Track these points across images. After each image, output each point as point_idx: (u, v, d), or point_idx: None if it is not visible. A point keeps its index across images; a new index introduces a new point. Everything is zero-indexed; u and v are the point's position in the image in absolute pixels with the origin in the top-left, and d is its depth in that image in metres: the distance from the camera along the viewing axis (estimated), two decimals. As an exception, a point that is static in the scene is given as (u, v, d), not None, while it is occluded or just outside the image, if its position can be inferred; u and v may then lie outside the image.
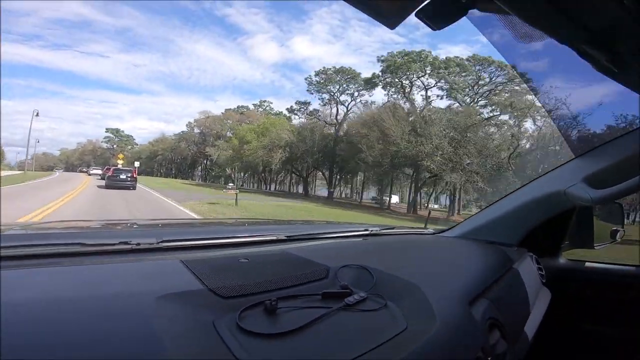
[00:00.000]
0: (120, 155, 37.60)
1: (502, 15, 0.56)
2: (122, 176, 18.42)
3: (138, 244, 0.71)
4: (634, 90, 0.83)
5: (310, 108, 35.67)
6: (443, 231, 1.40)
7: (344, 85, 31.88)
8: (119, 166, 22.12)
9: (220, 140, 43.59)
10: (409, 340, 0.53)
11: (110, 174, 18.72)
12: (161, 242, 0.74)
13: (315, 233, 1.06)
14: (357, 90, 30.95)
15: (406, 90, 27.47)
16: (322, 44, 54.70)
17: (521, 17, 0.53)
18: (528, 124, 22.60)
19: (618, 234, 1.34)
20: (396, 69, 26.77)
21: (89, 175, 35.08)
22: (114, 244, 0.70)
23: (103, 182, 18.61)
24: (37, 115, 35.34)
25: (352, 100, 31.55)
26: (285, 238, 0.94)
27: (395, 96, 28.16)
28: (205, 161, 50.21)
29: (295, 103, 38.32)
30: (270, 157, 30.17)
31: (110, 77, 75.16)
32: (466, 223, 1.37)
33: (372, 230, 1.20)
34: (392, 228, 1.32)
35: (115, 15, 63.82)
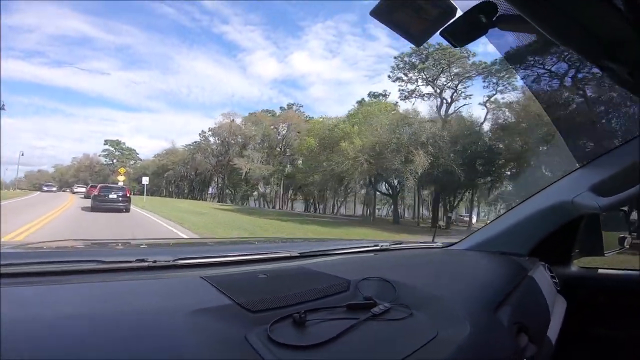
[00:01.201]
0: (122, 170, 30.83)
1: (520, 34, 0.61)
2: (112, 195, 14.65)
3: (155, 262, 0.73)
4: None
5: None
6: (451, 244, 1.40)
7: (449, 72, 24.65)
8: (118, 183, 18.88)
9: (249, 149, 39.45)
10: (441, 347, 0.54)
11: (97, 192, 14.88)
12: (177, 259, 0.77)
13: (327, 249, 1.09)
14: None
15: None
16: (319, 59, 55.93)
17: (542, 29, 0.56)
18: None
19: (626, 240, 1.39)
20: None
21: (73, 193, 32.86)
22: (131, 262, 0.72)
23: (90, 202, 14.60)
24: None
25: (455, 92, 24.70)
26: (299, 255, 0.96)
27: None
28: (223, 177, 46.86)
29: (369, 95, 32.40)
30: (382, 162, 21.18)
31: (110, 94, 76.64)
32: (474, 236, 1.37)
33: (382, 246, 1.22)
34: (401, 243, 1.35)
35: (115, 32, 67.44)
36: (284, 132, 37.73)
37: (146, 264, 0.73)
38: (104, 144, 65.05)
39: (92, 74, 65.70)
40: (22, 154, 41.22)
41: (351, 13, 50.97)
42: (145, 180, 25.84)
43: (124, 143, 66.51)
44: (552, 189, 1.29)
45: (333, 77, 56.55)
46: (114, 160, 64.97)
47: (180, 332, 0.48)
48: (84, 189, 31.68)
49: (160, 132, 73.05)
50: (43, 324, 0.46)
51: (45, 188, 31.08)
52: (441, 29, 0.57)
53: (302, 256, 0.98)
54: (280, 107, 41.01)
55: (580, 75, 0.87)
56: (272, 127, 37.48)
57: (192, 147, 52.02)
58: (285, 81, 60.68)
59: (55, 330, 0.45)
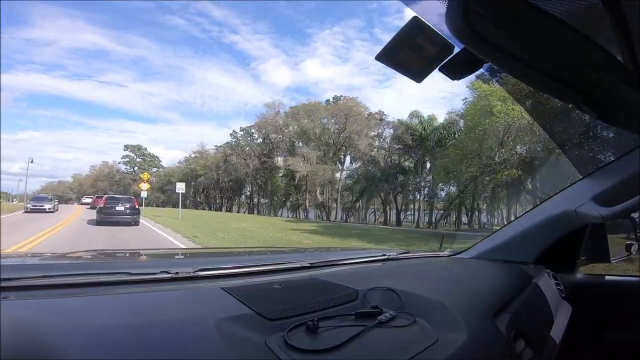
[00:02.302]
0: (145, 175, 26.42)
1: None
2: (119, 207, 14.06)
3: (177, 273, 0.82)
4: (630, 131, 0.94)
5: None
6: (458, 253, 1.51)
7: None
8: (141, 193, 20.44)
9: (301, 147, 34.67)
10: (441, 351, 0.61)
11: (102, 204, 14.25)
12: (197, 270, 0.85)
13: (337, 259, 1.19)
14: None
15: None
16: (330, 65, 55.61)
17: (520, 80, 0.65)
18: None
19: (633, 247, 1.45)
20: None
21: (81, 204, 31.08)
22: (155, 274, 0.81)
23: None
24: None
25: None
26: (310, 265, 1.05)
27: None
28: (264, 182, 42.38)
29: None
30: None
31: (128, 106, 79.69)
32: (480, 245, 1.48)
33: (389, 255, 1.31)
34: (408, 252, 1.45)
35: (129, 45, 67.78)
36: (338, 126, 33.87)
37: (169, 275, 0.80)
38: (124, 150, 62.27)
39: (110, 86, 72.00)
40: (32, 161, 38.56)
41: (357, 18, 53.91)
42: (180, 187, 21.07)
43: (145, 148, 63.09)
44: (557, 199, 1.36)
45: (345, 83, 60.04)
46: (135, 168, 61.84)
47: (208, 340, 0.54)
48: (90, 200, 30.30)
49: (177, 142, 78.07)
50: (82, 333, 0.50)
51: (29, 206, 22.03)
52: (439, 66, 0.63)
53: (313, 267, 1.06)
54: (326, 100, 38.52)
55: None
56: (325, 119, 34.88)
57: (224, 147, 48.29)
58: (298, 89, 61.08)
59: (91, 339, 0.49)
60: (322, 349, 0.55)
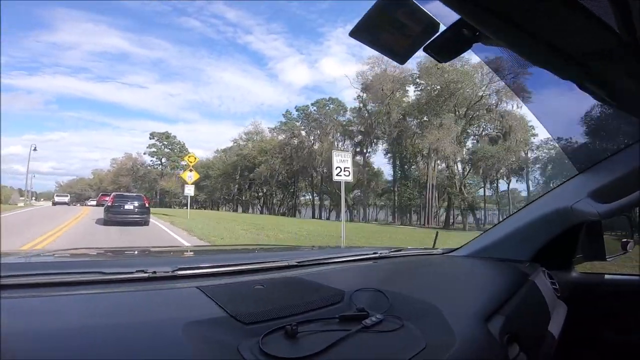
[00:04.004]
0: (191, 158, 20.38)
1: (504, 49, 0.67)
2: (128, 206, 13.58)
3: (154, 272, 0.81)
4: (630, 113, 0.98)
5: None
6: (452, 250, 1.58)
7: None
8: (186, 186, 17.99)
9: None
10: (429, 359, 0.60)
11: (110, 203, 13.89)
12: (176, 270, 0.85)
13: (325, 258, 1.21)
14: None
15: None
16: (345, 64, 56.57)
17: (519, 55, 0.64)
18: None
19: (629, 245, 1.50)
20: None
21: (88, 205, 32.00)
22: (131, 273, 0.80)
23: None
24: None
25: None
26: (297, 264, 1.06)
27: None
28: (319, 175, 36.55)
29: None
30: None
31: (150, 107, 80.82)
32: (475, 242, 1.54)
33: (381, 253, 1.34)
34: (401, 250, 1.49)
35: (149, 47, 74.75)
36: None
37: (146, 274, 0.80)
38: (150, 138, 57.02)
39: (132, 87, 76.80)
40: (35, 149, 38.80)
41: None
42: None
43: (174, 136, 57.59)
44: (553, 195, 1.42)
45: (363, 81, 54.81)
46: (163, 159, 56.64)
47: (173, 344, 0.52)
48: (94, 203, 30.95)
49: (196, 142, 79.21)
50: (45, 336, 0.50)
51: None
52: (425, 45, 0.60)
53: (301, 265, 1.06)
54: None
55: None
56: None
57: (278, 130, 42.17)
58: (315, 87, 66.40)
59: (55, 342, 0.49)
60: (299, 356, 0.53)
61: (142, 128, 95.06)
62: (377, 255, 1.31)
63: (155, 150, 55.32)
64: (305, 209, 41.63)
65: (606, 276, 1.57)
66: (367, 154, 34.67)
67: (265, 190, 42.88)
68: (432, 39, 0.59)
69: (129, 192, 19.62)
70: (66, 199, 38.60)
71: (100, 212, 15.04)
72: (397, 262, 1.35)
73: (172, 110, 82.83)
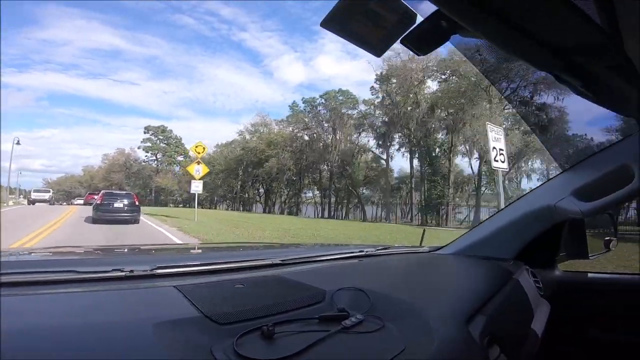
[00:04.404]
0: (198, 148, 16.67)
1: (484, 41, 0.67)
2: (118, 204, 13.38)
3: (132, 271, 0.80)
4: (609, 109, 0.99)
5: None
6: (438, 248, 1.61)
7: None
8: (193, 182, 15.61)
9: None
10: None
11: (99, 201, 13.80)
12: (155, 268, 0.84)
13: (310, 256, 1.20)
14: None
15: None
16: (340, 62, 56.96)
17: (497, 46, 0.64)
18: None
19: (611, 243, 1.53)
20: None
21: (75, 204, 30.60)
22: (107, 272, 0.79)
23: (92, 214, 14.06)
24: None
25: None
26: (280, 262, 1.06)
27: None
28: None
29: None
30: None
31: (142, 104, 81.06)
32: (461, 240, 1.57)
33: (367, 251, 1.35)
34: (388, 248, 1.52)
35: (142, 44, 75.06)
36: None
37: (123, 273, 0.78)
38: (144, 132, 54.17)
39: (124, 84, 79.41)
40: (18, 142, 35.59)
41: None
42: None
43: (170, 130, 54.60)
44: (536, 194, 1.44)
45: (358, 79, 58.97)
46: (158, 155, 53.40)
47: (144, 346, 0.52)
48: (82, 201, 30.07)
49: (191, 139, 74.43)
50: (13, 335, 0.49)
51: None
52: (401, 37, 0.58)
53: (284, 264, 1.05)
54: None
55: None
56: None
57: (286, 122, 39.10)
58: (310, 85, 66.24)
59: (24, 342, 0.48)
60: (275, 358, 0.52)
61: (135, 125, 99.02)
62: (363, 253, 1.32)
63: (150, 145, 53.54)
64: (306, 207, 39.92)
65: (589, 274, 1.63)
66: (391, 148, 32.73)
67: (272, 187, 40.31)
68: (409, 31, 0.58)
69: (119, 190, 19.49)
70: (47, 196, 34.21)
71: (88, 212, 14.76)
72: (383, 260, 1.37)
73: (165, 107, 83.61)
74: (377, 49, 0.60)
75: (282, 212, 37.89)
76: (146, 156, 54.67)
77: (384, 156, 32.85)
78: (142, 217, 14.68)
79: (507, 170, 12.89)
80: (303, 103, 38.80)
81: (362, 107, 34.76)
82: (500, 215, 1.52)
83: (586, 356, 1.47)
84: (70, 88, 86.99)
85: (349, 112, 34.76)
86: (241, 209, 42.37)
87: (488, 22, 0.51)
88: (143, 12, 68.28)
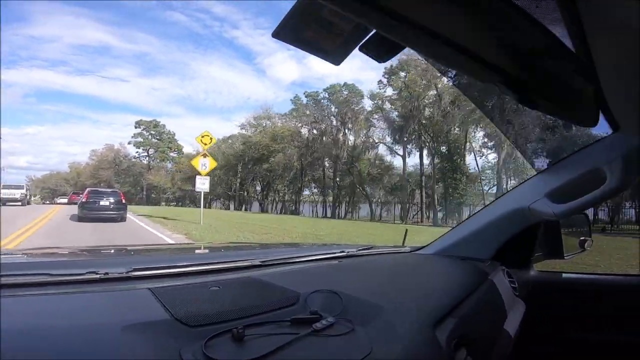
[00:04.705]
0: (206, 137, 14.04)
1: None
2: (104, 202, 13.34)
3: (106, 274, 0.79)
4: (568, 121, 0.99)
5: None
6: (419, 248, 1.64)
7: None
8: (197, 179, 13.66)
9: None
10: None
11: (85, 199, 13.72)
12: (131, 271, 0.83)
13: (290, 257, 1.19)
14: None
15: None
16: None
17: (438, 62, 0.65)
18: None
19: (586, 244, 1.56)
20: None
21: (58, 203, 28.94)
22: (81, 274, 0.77)
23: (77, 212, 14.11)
24: None
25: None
26: (260, 263, 1.05)
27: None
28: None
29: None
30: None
31: (131, 101, 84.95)
32: (441, 240, 1.60)
33: (348, 252, 1.35)
34: (370, 248, 1.52)
35: (132, 41, 76.18)
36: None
37: (97, 276, 0.77)
38: (135, 127, 51.55)
39: (113, 81, 79.13)
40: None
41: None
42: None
43: (163, 125, 51.93)
44: (513, 195, 1.49)
45: (351, 77, 58.74)
46: (150, 151, 50.54)
47: (111, 349, 0.52)
48: (66, 200, 28.76)
49: (182, 136, 76.75)
50: None
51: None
52: (360, 45, 0.56)
53: (264, 265, 1.05)
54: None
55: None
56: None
57: (289, 116, 37.29)
58: (304, 83, 66.53)
59: None
60: None
61: (124, 122, 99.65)
62: (344, 254, 1.32)
63: (142, 140, 51.32)
64: (304, 206, 38.87)
65: (564, 275, 1.67)
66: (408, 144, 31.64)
67: (275, 184, 38.19)
68: (366, 38, 0.55)
69: (107, 188, 19.34)
70: (17, 194, 24.68)
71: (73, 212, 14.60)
72: (363, 261, 1.37)
73: (156, 104, 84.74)
74: (335, 58, 0.57)
75: (281, 212, 36.72)
76: (137, 152, 54.19)
77: (400, 152, 31.98)
78: (137, 220, 14.37)
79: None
80: (306, 97, 38.19)
81: (368, 102, 33.99)
82: (479, 216, 1.58)
83: (560, 356, 1.54)
84: (58, 84, 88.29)
85: (359, 106, 33.83)
86: (236, 208, 41.03)
87: (429, 43, 0.50)
88: (134, 8, 68.96)
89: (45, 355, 0.48)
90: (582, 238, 1.57)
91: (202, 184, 13.44)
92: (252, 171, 39.77)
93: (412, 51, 0.59)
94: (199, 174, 13.51)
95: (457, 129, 28.65)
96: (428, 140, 29.68)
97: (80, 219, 12.78)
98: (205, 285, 0.82)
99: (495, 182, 27.61)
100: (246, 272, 0.98)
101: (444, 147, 29.31)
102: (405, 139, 30.88)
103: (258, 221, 17.46)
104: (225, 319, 0.64)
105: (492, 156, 28.47)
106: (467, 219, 1.71)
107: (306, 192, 39.68)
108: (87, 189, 15.53)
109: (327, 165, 35.58)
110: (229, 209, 39.47)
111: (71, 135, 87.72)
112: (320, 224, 18.48)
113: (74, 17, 73.82)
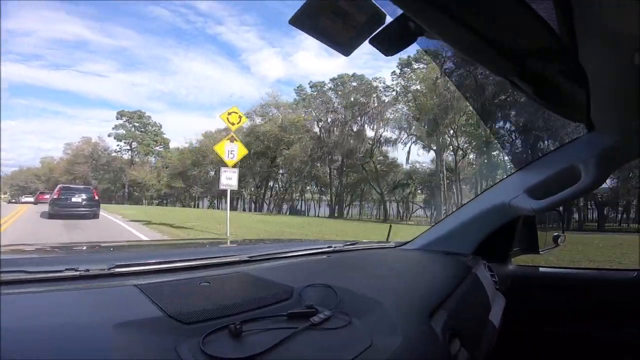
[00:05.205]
0: (234, 114, 9.15)
1: (447, 44, 0.71)
2: (75, 199, 13.08)
3: (87, 270, 0.76)
4: (559, 115, 1.06)
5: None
6: (404, 244, 1.68)
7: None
8: (224, 170, 9.66)
9: None
10: (374, 357, 0.62)
11: (56, 195, 13.50)
12: (113, 267, 0.80)
13: (278, 252, 1.19)
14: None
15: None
16: (318, 58, 56.60)
17: (456, 50, 0.66)
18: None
19: (559, 239, 1.61)
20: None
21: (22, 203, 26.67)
22: (59, 271, 0.75)
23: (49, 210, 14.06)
24: None
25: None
26: (248, 259, 1.04)
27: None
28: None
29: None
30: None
31: (110, 96, 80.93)
32: (425, 235, 1.65)
33: (335, 247, 1.36)
34: (355, 243, 1.54)
35: (112, 35, 73.14)
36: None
37: (78, 273, 0.74)
38: (117, 118, 47.12)
39: (90, 76, 77.19)
40: None
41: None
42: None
43: (148, 116, 47.45)
44: (494, 191, 1.52)
45: (336, 75, 52.46)
46: (133, 144, 45.71)
47: (103, 348, 0.50)
48: (31, 198, 26.85)
49: (166, 132, 66.64)
50: None
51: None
52: (370, 37, 0.59)
53: (252, 260, 1.04)
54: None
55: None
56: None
57: (295, 104, 34.57)
58: (289, 81, 65.16)
59: None
60: (243, 356, 0.51)
61: (102, 117, 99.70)
62: (331, 249, 1.33)
63: (124, 132, 47.32)
64: (303, 205, 37.02)
65: (540, 269, 1.70)
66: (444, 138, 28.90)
67: (284, 182, 34.92)
68: (377, 32, 0.58)
69: (77, 185, 18.44)
70: None
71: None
72: (350, 256, 1.38)
73: (135, 99, 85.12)
74: (346, 48, 0.60)
75: (279, 212, 33.91)
76: (118, 145, 52.51)
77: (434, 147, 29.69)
78: (131, 229, 11.44)
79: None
80: (310, 87, 36.39)
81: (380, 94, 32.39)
82: (461, 212, 1.61)
83: (535, 349, 1.56)
84: (31, 79, 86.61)
85: (371, 97, 31.38)
86: (242, 209, 38.01)
87: (449, 25, 0.53)
88: (113, 2, 66.36)
89: (31, 354, 0.45)
90: (555, 234, 1.66)
91: (229, 179, 9.42)
92: (254, 165, 35.61)
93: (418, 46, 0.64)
94: (226, 164, 9.30)
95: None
96: (465, 135, 27.58)
97: (51, 216, 12.55)
98: (195, 281, 0.80)
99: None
100: (235, 267, 0.97)
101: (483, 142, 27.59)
102: (439, 132, 28.01)
103: (297, 227, 14.94)
104: (220, 315, 0.62)
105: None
106: (449, 214, 1.74)
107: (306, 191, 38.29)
108: (59, 186, 15.40)
109: (339, 159, 32.41)
110: (236, 211, 34.50)
111: (45, 130, 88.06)
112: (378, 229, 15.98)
113: (50, 11, 73.95)
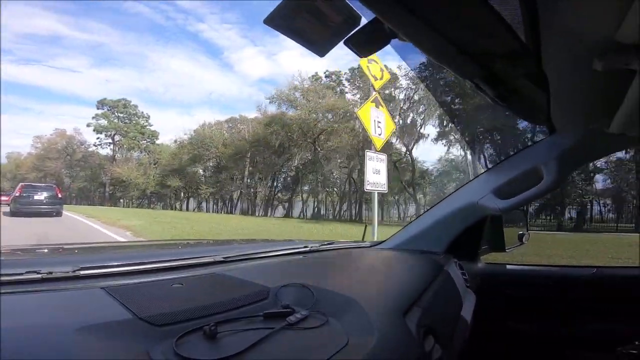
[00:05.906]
0: (376, 66, 5.83)
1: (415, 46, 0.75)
2: (38, 196, 13.18)
3: (50, 273, 0.74)
4: (521, 117, 1.11)
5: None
6: (379, 243, 1.75)
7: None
8: (372, 166, 5.64)
9: None
10: (350, 356, 0.62)
11: (18, 193, 13.53)
12: (78, 269, 0.78)
13: (253, 253, 1.19)
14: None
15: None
16: (302, 58, 55.37)
17: (424, 52, 0.67)
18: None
19: (524, 237, 1.70)
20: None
21: None
22: (19, 274, 0.72)
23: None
24: None
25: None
26: (223, 260, 1.04)
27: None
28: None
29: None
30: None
31: (83, 92, 78.77)
32: (399, 235, 1.71)
33: (311, 247, 1.38)
34: (332, 243, 1.57)
35: (86, 31, 69.76)
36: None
37: (39, 276, 0.71)
38: (98, 108, 41.50)
39: (63, 71, 72.47)
40: None
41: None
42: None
43: (135, 106, 42.43)
44: (464, 191, 1.57)
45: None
46: (115, 137, 40.48)
47: (61, 351, 0.48)
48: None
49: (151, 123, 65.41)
50: None
51: None
52: (345, 39, 0.59)
53: (227, 261, 1.03)
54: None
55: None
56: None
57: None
58: (271, 80, 67.26)
59: None
60: (218, 358, 0.51)
61: (74, 114, 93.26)
62: (307, 249, 1.35)
63: (106, 122, 41.79)
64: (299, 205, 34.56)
65: (508, 266, 1.78)
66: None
67: (294, 180, 31.20)
68: (352, 33, 0.59)
69: (40, 183, 18.70)
70: None
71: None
72: (326, 255, 1.41)
73: (110, 96, 78.83)
74: (320, 49, 0.60)
75: (266, 214, 30.99)
76: (98, 138, 46.73)
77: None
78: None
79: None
80: (326, 77, 33.41)
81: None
82: (433, 211, 1.67)
83: (503, 346, 1.62)
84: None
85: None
86: (243, 212, 34.05)
87: (415, 26, 0.53)
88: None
89: None
90: (520, 232, 1.75)
91: (377, 173, 5.42)
92: (270, 162, 31.39)
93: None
94: (375, 145, 5.45)
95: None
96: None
97: (13, 214, 12.79)
98: (167, 283, 0.79)
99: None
100: (209, 268, 0.97)
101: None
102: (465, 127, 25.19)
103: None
104: (194, 317, 0.62)
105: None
106: (422, 214, 1.79)
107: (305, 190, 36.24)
108: (20, 184, 15.57)
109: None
110: (247, 214, 30.82)
111: (12, 127, 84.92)
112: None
113: (24, 5, 72.26)
